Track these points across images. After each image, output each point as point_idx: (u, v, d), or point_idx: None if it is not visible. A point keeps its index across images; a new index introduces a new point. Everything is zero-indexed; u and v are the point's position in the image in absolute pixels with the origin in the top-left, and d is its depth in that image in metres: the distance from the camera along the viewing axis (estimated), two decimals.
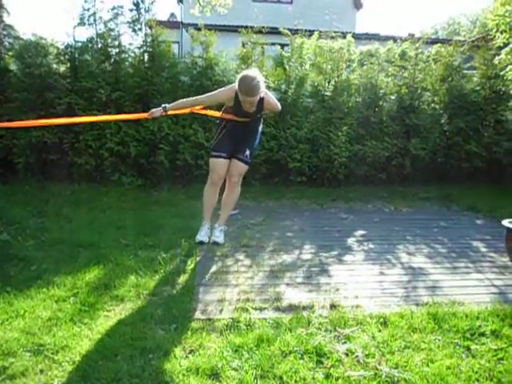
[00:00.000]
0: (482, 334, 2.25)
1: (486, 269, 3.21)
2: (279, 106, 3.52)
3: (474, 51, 6.34)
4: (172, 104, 3.47)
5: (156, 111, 3.42)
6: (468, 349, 2.13)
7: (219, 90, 3.54)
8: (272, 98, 3.45)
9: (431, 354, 2.06)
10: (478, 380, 1.89)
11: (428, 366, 1.97)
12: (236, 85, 3.19)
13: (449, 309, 2.48)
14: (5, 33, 5.36)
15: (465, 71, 6.22)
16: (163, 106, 3.40)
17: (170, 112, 3.45)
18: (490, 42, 6.31)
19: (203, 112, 3.73)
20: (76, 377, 1.82)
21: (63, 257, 3.13)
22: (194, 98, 3.64)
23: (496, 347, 2.12)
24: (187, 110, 3.63)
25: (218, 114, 3.58)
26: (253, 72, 3.22)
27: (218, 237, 3.50)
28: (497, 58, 6.03)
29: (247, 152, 3.47)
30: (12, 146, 5.16)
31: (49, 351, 1.98)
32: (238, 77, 3.19)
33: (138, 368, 1.89)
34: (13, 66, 5.46)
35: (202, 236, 3.44)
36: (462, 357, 2.06)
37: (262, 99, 3.29)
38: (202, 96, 3.60)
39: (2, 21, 3.51)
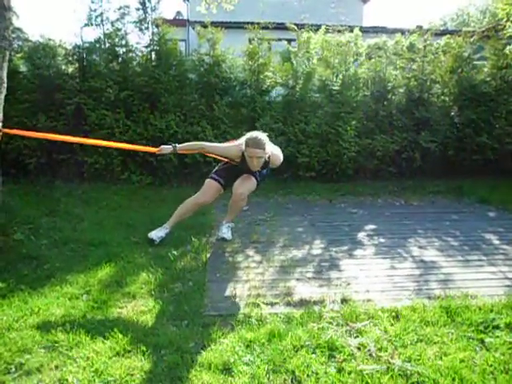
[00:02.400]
0: (496, 327, 2.22)
1: (500, 261, 3.18)
2: (281, 159, 3.51)
3: (484, 41, 6.24)
4: (182, 145, 3.51)
5: (165, 148, 3.44)
6: (482, 342, 2.11)
7: (228, 145, 3.54)
8: (275, 156, 3.42)
9: (444, 348, 2.04)
10: (492, 373, 1.87)
11: (441, 359, 1.95)
12: (243, 144, 3.23)
13: (462, 302, 2.46)
14: (14, 35, 5.40)
15: (475, 62, 6.12)
16: (173, 145, 3.43)
17: (179, 151, 3.46)
18: (500, 31, 6.21)
19: (212, 156, 3.75)
20: (90, 372, 1.84)
21: (75, 255, 3.16)
22: (203, 143, 3.66)
23: (511, 340, 2.10)
24: (195, 151, 3.65)
25: (224, 159, 3.58)
26: (260, 133, 3.27)
27: (226, 233, 3.51)
28: (508, 47, 5.93)
29: (256, 172, 3.46)
30: (23, 147, 5.23)
31: (63, 348, 2.01)
32: (246, 135, 3.26)
33: (151, 364, 1.91)
34: (22, 68, 5.52)
35: (157, 236, 3.38)
36: (476, 350, 2.04)
37: (267, 162, 3.34)
38: (211, 144, 3.63)
39: (11, 23, 3.53)
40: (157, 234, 3.40)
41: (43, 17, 41.57)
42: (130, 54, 5.63)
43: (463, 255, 3.30)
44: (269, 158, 3.33)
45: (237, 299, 2.55)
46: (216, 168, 3.62)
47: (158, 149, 3.46)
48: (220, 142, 3.59)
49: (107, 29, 5.53)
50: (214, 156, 3.73)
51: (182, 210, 3.46)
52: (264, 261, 3.16)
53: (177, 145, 3.44)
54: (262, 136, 3.22)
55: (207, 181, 3.48)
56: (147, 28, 5.61)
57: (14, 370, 1.87)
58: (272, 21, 5.81)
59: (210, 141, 5.34)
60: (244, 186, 3.40)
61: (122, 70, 5.49)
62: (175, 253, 3.21)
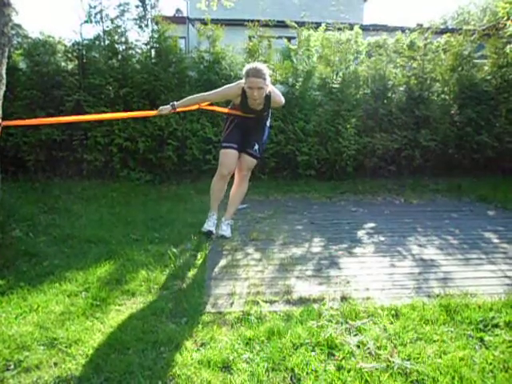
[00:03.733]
0: (496, 326, 2.22)
1: (499, 260, 3.17)
2: (283, 99, 3.53)
3: (484, 40, 6.23)
4: (180, 101, 3.45)
5: (164, 108, 3.37)
6: (481, 340, 2.10)
7: (226, 86, 3.53)
8: (277, 94, 3.45)
9: (444, 346, 2.04)
10: (492, 371, 1.87)
11: (441, 357, 1.95)
12: (243, 80, 3.23)
13: (461, 300, 2.45)
14: (13, 32, 5.38)
15: (475, 60, 6.11)
16: (171, 103, 3.37)
17: (178, 109, 3.42)
18: (501, 30, 6.20)
19: (211, 108, 3.72)
20: (89, 370, 1.84)
21: (74, 252, 3.16)
22: (202, 94, 3.64)
23: (510, 338, 2.09)
24: (195, 107, 3.60)
25: (225, 110, 3.58)
26: (259, 63, 3.29)
27: (225, 231, 3.51)
28: (508, 46, 5.93)
29: (256, 146, 3.48)
30: (22, 144, 5.21)
31: (62, 345, 2.01)
32: (245, 67, 3.25)
33: (150, 361, 1.90)
34: (22, 65, 5.50)
35: (210, 226, 3.46)
36: (476, 348, 2.03)
37: (268, 97, 3.31)
38: (209, 92, 3.59)
39: (11, 19, 3.51)
40: (208, 224, 3.45)
41: (43, 13, 41.47)
42: (130, 51, 5.62)
43: (463, 254, 3.30)
44: (270, 94, 3.31)
45: (236, 297, 2.54)
46: (222, 137, 3.59)
47: (157, 110, 3.40)
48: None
49: (107, 26, 5.52)
50: (213, 108, 3.69)
51: (214, 191, 3.48)
52: (263, 259, 3.15)
53: (175, 103, 3.39)
54: (261, 66, 3.22)
55: (221, 152, 3.46)
56: (147, 25, 5.60)
57: (12, 367, 1.86)
58: (272, 18, 5.79)
59: (210, 139, 5.36)
60: (245, 166, 3.44)
61: (122, 67, 5.48)
62: (175, 250, 3.21)
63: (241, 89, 3.28)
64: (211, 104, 3.67)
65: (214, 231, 3.46)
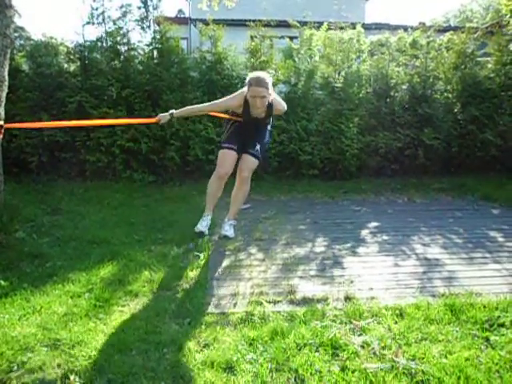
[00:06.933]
0: (502, 325, 2.20)
1: (504, 259, 3.15)
2: (285, 106, 3.50)
3: (487, 38, 6.19)
4: (179, 110, 3.46)
5: (163, 116, 3.38)
6: (487, 340, 2.08)
7: (228, 97, 3.49)
8: (279, 102, 3.44)
9: (449, 346, 2.02)
10: (498, 371, 1.85)
11: (446, 357, 1.93)
12: (245, 88, 3.21)
13: (466, 300, 2.44)
14: (16, 34, 5.40)
15: (478, 58, 6.07)
16: (171, 112, 3.37)
17: (176, 116, 3.42)
18: (504, 27, 6.16)
19: (212, 113, 3.71)
20: (92, 371, 1.83)
21: (77, 253, 3.16)
22: (202, 105, 3.67)
23: None
24: (195, 115, 3.59)
25: (226, 116, 3.56)
26: (262, 72, 3.25)
27: (228, 230, 3.49)
28: None
29: (257, 147, 3.45)
30: (25, 145, 5.22)
31: (65, 346, 2.00)
32: (248, 76, 3.22)
33: (153, 362, 1.90)
34: (24, 66, 5.52)
35: (203, 227, 3.36)
36: (481, 348, 2.02)
37: (271, 105, 3.31)
38: (210, 103, 3.60)
39: (13, 21, 3.53)
40: (202, 224, 3.35)
41: (45, 15, 41.62)
42: (132, 52, 5.62)
43: (467, 253, 3.28)
44: (272, 102, 3.29)
45: (239, 297, 2.53)
46: (222, 138, 3.57)
47: (157, 118, 3.40)
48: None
49: (109, 27, 5.53)
50: (215, 115, 3.67)
51: (210, 191, 3.42)
52: (266, 259, 3.14)
53: (174, 111, 3.37)
54: (264, 75, 3.19)
55: (220, 152, 3.42)
56: (149, 26, 5.61)
57: (16, 368, 1.86)
58: (274, 18, 5.78)
59: (212, 139, 5.35)
60: (246, 167, 3.39)
61: (124, 68, 5.48)
62: (177, 251, 3.20)
63: (243, 98, 3.26)
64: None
65: (206, 232, 3.37)
